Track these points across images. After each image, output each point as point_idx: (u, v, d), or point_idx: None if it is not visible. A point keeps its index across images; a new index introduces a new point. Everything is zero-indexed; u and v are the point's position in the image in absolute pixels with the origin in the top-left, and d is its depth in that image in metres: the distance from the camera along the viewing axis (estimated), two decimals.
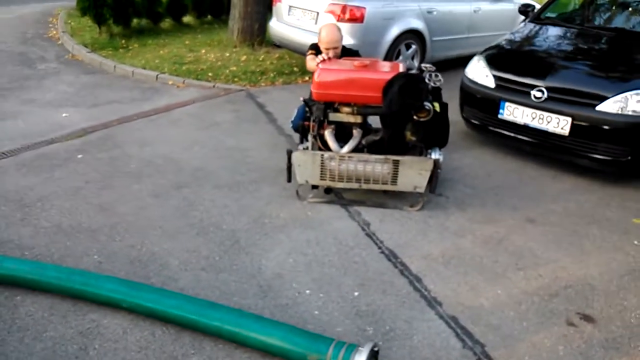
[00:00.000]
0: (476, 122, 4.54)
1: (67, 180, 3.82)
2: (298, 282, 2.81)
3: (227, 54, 7.40)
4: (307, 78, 6.71)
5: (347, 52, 4.07)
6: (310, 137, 3.68)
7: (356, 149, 3.58)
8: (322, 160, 3.47)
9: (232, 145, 4.57)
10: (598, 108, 3.79)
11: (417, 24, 6.49)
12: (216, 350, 2.32)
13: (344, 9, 6.01)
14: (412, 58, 6.67)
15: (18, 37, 8.32)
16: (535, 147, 4.18)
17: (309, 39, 5.57)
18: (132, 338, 2.38)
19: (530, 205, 3.69)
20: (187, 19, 9.41)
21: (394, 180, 3.48)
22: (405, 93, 3.26)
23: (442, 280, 2.87)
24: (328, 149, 3.59)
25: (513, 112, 4.17)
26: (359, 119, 3.61)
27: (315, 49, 4.01)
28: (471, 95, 4.53)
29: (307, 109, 3.66)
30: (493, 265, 3.02)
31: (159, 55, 7.25)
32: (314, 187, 3.65)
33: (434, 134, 3.59)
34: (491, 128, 4.41)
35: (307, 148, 3.68)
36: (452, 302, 2.71)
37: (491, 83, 4.35)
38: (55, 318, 2.47)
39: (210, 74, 6.57)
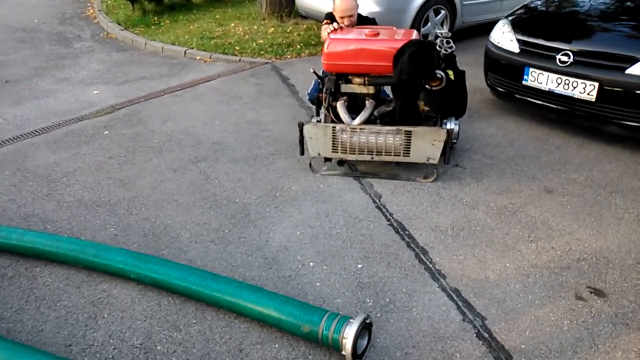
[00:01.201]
0: (501, 89, 4.38)
1: (92, 156, 3.97)
2: (302, 254, 2.84)
3: (256, 27, 7.39)
4: None
5: (363, 21, 3.99)
6: (322, 109, 3.66)
7: (369, 121, 3.53)
8: (333, 133, 3.45)
9: (252, 119, 4.60)
10: (628, 71, 3.57)
11: None
12: (217, 320, 2.40)
13: None
14: (442, 24, 6.46)
15: (57, 16, 8.59)
16: (561, 114, 4.00)
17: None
18: (139, 307, 2.48)
19: (551, 175, 3.56)
20: None
21: (407, 152, 3.43)
22: (416, 61, 3.18)
23: (448, 252, 2.84)
24: (341, 121, 3.56)
25: (537, 78, 3.99)
26: (371, 90, 3.56)
27: (331, 18, 3.95)
28: (495, 61, 4.36)
29: (319, 80, 3.63)
30: (504, 237, 2.95)
31: (189, 30, 7.33)
32: (327, 159, 3.64)
33: (449, 103, 3.50)
34: (516, 95, 4.25)
35: (320, 120, 3.67)
36: (456, 274, 2.68)
37: (515, 48, 4.17)
38: (69, 288, 2.61)
39: (237, 48, 6.59)
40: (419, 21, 6.17)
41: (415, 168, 3.61)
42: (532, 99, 4.10)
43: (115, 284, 2.63)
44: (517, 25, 4.31)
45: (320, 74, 3.62)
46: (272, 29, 7.31)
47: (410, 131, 3.35)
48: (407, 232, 3.01)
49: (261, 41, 6.83)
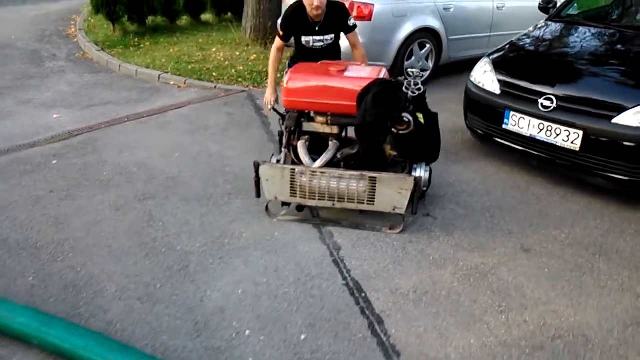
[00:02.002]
0: (480, 131, 4.08)
1: (33, 189, 3.64)
2: (240, 319, 2.49)
3: (238, 53, 7.14)
4: None
5: (333, 7, 3.57)
6: (283, 149, 3.35)
7: (331, 164, 3.22)
8: (291, 175, 3.12)
9: (215, 152, 4.29)
10: (615, 120, 3.28)
11: (432, 22, 6.01)
12: None
13: (351, 5, 5.61)
14: (427, 58, 6.21)
15: (37, 34, 8.34)
16: (543, 162, 3.69)
17: None
18: None
19: (529, 231, 3.23)
20: (205, 16, 9.21)
21: (371, 200, 3.10)
22: (381, 102, 2.88)
23: (407, 322, 2.49)
24: (302, 162, 3.25)
25: (518, 123, 3.69)
26: (335, 130, 3.26)
27: (290, 18, 3.58)
28: (475, 102, 4.07)
29: (280, 118, 3.33)
30: (471, 306, 2.61)
31: (168, 54, 7.07)
32: (285, 204, 3.31)
33: (419, 148, 3.19)
34: (496, 139, 3.94)
35: (280, 160, 3.35)
36: (413, 352, 2.33)
37: (496, 89, 3.89)
38: None
39: (214, 74, 6.32)
40: (402, 54, 5.91)
41: (381, 216, 3.28)
42: (512, 144, 3.80)
43: (15, 351, 2.26)
44: (500, 65, 4.03)
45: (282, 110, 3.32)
46: (255, 55, 7.05)
47: (375, 177, 3.03)
48: (363, 295, 2.66)
49: (241, 68, 6.56)
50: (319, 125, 3.24)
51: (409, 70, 3.25)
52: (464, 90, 4.28)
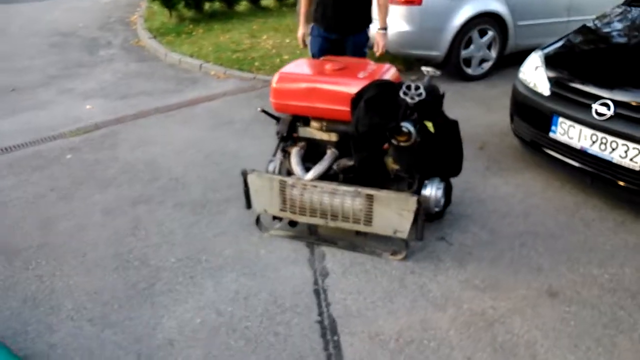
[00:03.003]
0: (526, 138, 3.46)
1: (37, 186, 3.56)
2: (187, 356, 2.18)
3: (288, 40, 6.81)
4: None
5: None
6: (278, 155, 2.99)
7: (326, 176, 2.81)
8: (281, 187, 2.75)
9: (231, 151, 4.01)
10: None
11: (496, 6, 5.31)
12: None
13: None
14: (489, 47, 5.51)
15: (103, 21, 8.51)
16: (597, 180, 3.03)
17: None
18: None
19: (564, 268, 2.64)
20: (266, 1, 8.95)
21: (368, 220, 2.66)
22: (374, 110, 2.43)
23: None
24: None
25: (568, 131, 3.05)
26: (333, 137, 2.83)
27: None
28: (522, 104, 3.46)
29: (275, 122, 2.96)
30: None
31: (217, 41, 6.88)
32: (276, 217, 2.95)
33: (429, 162, 2.69)
34: (544, 149, 3.31)
35: (274, 170, 2.99)
36: None
37: (545, 89, 3.25)
38: None
39: (257, 64, 6.04)
40: (458, 43, 5.28)
41: (384, 238, 2.82)
42: (561, 156, 3.16)
43: None
44: (553, 60, 3.37)
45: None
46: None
47: (372, 195, 2.58)
48: (335, 338, 2.26)
49: (287, 57, 6.22)
50: (315, 131, 2.84)
51: (422, 68, 2.73)
52: (512, 89, 3.66)
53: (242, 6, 8.64)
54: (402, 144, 2.52)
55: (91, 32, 7.81)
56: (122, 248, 2.88)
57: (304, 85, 2.67)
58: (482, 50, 5.46)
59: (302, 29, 3.75)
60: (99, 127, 4.55)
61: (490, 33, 5.43)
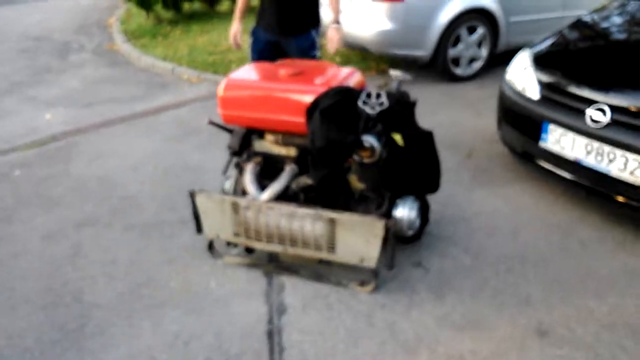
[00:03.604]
0: (514, 147, 3.11)
1: None
2: None
3: None
4: None
5: None
6: (233, 171, 2.64)
7: (285, 195, 2.47)
8: (233, 209, 2.41)
9: (194, 164, 3.67)
10: None
11: (485, 1, 4.97)
12: None
13: None
14: (479, 45, 5.16)
15: (79, 23, 8.18)
16: (593, 194, 2.69)
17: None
18: None
19: (555, 298, 2.30)
20: (254, 1, 8.57)
21: (331, 247, 2.32)
22: (331, 122, 2.08)
23: None
24: None
25: (560, 140, 2.71)
26: (291, 151, 2.49)
27: None
28: (509, 109, 3.11)
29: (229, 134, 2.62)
30: None
31: (194, 43, 6.55)
32: (231, 243, 2.61)
33: (399, 179, 2.35)
34: (534, 160, 2.97)
35: (227, 187, 2.65)
36: None
37: (535, 93, 2.91)
38: None
39: (234, 66, 5.68)
40: (445, 42, 4.93)
41: (352, 266, 2.47)
42: (552, 167, 2.82)
43: None
44: (543, 60, 3.03)
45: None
46: None
47: (334, 219, 2.24)
48: None
49: None
50: (270, 145, 2.49)
51: (391, 72, 2.38)
52: (498, 92, 3.31)
53: (224, 6, 8.29)
54: (365, 160, 2.18)
55: (65, 36, 7.47)
56: (56, 281, 2.54)
57: (254, 93, 2.32)
58: (471, 48, 5.12)
59: (235, 25, 3.29)
60: (56, 138, 4.22)
61: (480, 30, 5.09)
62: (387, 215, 2.38)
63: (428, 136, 2.37)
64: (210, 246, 2.65)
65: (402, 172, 2.32)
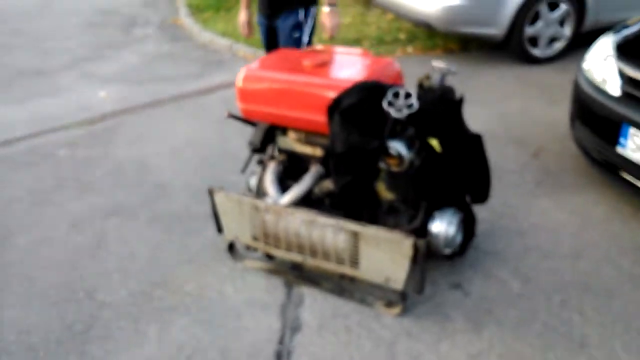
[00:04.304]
0: (587, 150, 2.66)
1: (16, 188, 3.25)
2: None
3: (357, 18, 6.13)
4: (410, 50, 5.16)
5: None
6: (258, 169, 2.43)
7: (308, 200, 2.23)
8: (252, 212, 2.21)
9: (234, 151, 3.48)
10: None
11: None
12: None
13: None
14: (561, 23, 4.58)
15: None
16: None
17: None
18: None
19: (619, 344, 1.91)
20: None
21: (355, 262, 2.06)
22: (353, 124, 1.79)
23: None
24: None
25: None
26: (317, 151, 2.22)
27: None
28: (583, 105, 2.66)
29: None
30: None
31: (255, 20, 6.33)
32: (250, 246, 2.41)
33: (437, 188, 2.03)
34: (609, 164, 2.52)
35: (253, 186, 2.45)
36: None
37: (615, 88, 2.44)
38: None
39: None
40: (522, 18, 4.40)
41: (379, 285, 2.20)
42: (630, 178, 2.37)
43: None
44: (630, 49, 2.53)
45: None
46: (350, 18, 6.00)
47: (357, 232, 1.97)
48: None
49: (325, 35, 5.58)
50: (294, 143, 2.24)
51: (433, 63, 2.04)
52: (573, 83, 2.84)
53: None
54: (393, 168, 1.88)
55: (133, 10, 7.51)
56: (75, 274, 2.47)
57: (272, 86, 2.07)
58: (552, 27, 4.55)
59: (242, 14, 3.06)
60: (105, 118, 4.20)
61: (564, 6, 4.50)
62: (422, 229, 2.08)
63: (476, 140, 2.02)
64: (231, 247, 2.46)
65: (441, 181, 2.00)
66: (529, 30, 4.50)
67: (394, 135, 1.81)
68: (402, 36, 5.44)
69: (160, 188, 3.13)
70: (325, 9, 2.74)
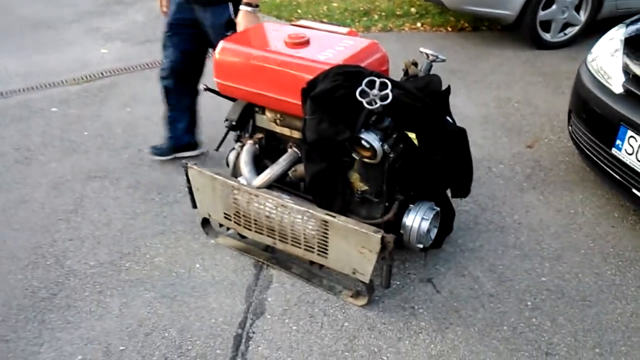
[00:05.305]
0: (584, 148, 2.55)
1: (4, 142, 3.23)
2: None
3: None
4: (419, 24, 4.98)
5: None
6: (236, 145, 2.36)
7: (282, 181, 2.16)
8: (224, 190, 2.15)
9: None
10: None
11: None
12: None
13: None
14: (577, 8, 4.36)
15: None
16: None
17: None
18: None
19: (587, 356, 1.84)
20: None
21: (323, 250, 2.01)
22: (326, 111, 1.70)
23: None
24: None
25: (637, 151, 2.14)
26: (295, 133, 2.14)
27: None
28: (581, 99, 2.53)
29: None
30: None
31: None
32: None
33: (413, 181, 1.95)
34: (603, 165, 2.41)
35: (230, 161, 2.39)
36: None
37: (617, 84, 2.31)
38: None
39: (299, 11, 5.30)
40: (536, 2, 4.20)
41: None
42: (623, 179, 2.26)
43: None
44: (637, 45, 2.38)
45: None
46: None
47: (327, 221, 1.91)
48: None
49: (336, 4, 5.44)
50: (271, 123, 2.16)
51: (421, 49, 1.93)
52: (575, 76, 2.71)
53: None
54: (366, 160, 1.80)
55: None
56: (47, 238, 2.45)
57: (249, 62, 1.97)
58: (567, 12, 4.34)
59: None
60: (103, 75, 4.15)
61: None
62: (395, 222, 2.01)
63: (459, 135, 1.92)
64: (205, 223, 2.42)
65: (417, 175, 1.92)
66: (542, 14, 4.30)
67: (368, 126, 1.72)
68: (413, 10, 5.25)
69: (144, 154, 3.07)
70: (243, 7, 2.28)
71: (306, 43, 1.97)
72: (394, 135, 1.80)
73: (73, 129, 3.37)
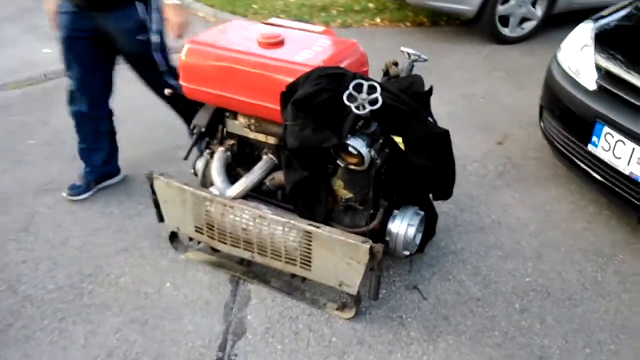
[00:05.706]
0: (557, 145, 2.54)
1: None
2: None
3: None
4: (378, 20, 4.93)
5: None
6: (205, 153, 2.20)
7: (258, 191, 2.03)
8: (195, 202, 1.99)
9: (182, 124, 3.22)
10: None
11: None
12: None
13: None
14: (534, 3, 4.42)
15: None
16: None
17: None
18: None
19: (580, 356, 1.83)
20: None
21: (307, 263, 1.89)
22: (309, 116, 1.58)
23: None
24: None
25: (614, 148, 2.13)
26: (270, 139, 2.01)
27: None
28: (554, 96, 2.52)
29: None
30: None
31: None
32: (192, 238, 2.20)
33: (400, 187, 1.87)
34: (578, 162, 2.41)
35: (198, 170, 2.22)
36: None
37: (590, 81, 2.30)
38: None
39: (255, 6, 5.13)
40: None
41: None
42: (600, 176, 2.26)
43: None
44: (609, 39, 2.39)
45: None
46: None
47: (310, 232, 1.80)
48: None
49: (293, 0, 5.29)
50: (245, 129, 2.02)
51: (402, 49, 1.84)
52: (546, 72, 2.70)
53: None
54: (352, 166, 1.69)
55: None
56: None
57: (218, 64, 1.83)
58: (524, 6, 4.38)
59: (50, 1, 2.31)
60: (47, 78, 3.86)
61: None
62: (381, 230, 1.92)
63: (443, 137, 1.84)
64: (173, 237, 2.25)
65: (403, 180, 1.83)
66: (501, 9, 4.33)
67: (354, 132, 1.62)
68: (371, 5, 5.18)
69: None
70: (167, 2, 2.11)
71: (281, 43, 1.84)
72: (380, 140, 1.71)
73: (17, 137, 3.11)
